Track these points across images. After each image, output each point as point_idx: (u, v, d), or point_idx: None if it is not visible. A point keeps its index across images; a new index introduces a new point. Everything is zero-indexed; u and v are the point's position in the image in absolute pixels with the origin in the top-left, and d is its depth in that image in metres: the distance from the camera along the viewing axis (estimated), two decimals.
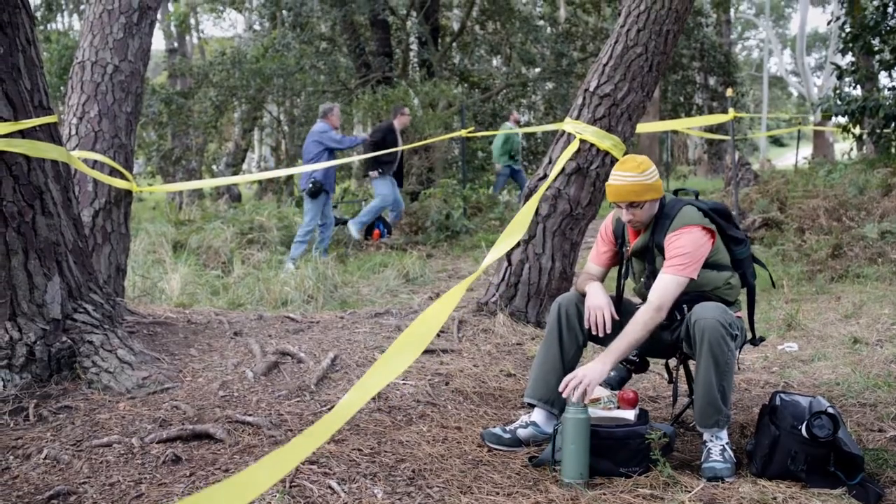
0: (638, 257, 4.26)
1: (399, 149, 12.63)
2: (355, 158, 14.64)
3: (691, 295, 4.01)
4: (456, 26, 23.50)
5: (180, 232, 12.24)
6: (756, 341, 4.35)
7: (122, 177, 6.12)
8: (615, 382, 4.27)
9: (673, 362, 4.56)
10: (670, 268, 3.98)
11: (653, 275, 4.10)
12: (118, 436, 3.82)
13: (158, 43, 28.20)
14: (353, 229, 12.56)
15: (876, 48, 14.56)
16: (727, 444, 3.87)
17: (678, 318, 4.05)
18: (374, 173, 12.48)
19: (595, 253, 4.40)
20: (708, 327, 3.85)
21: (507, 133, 15.24)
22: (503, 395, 4.89)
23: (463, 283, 3.68)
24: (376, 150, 12.25)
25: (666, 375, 4.72)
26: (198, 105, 19.75)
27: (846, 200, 10.68)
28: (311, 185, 11.20)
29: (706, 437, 3.92)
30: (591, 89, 6.42)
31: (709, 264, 4.06)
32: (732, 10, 34.94)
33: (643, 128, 5.38)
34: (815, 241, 9.63)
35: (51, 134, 4.64)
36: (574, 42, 20.59)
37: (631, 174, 4.07)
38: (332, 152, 11.50)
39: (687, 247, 3.98)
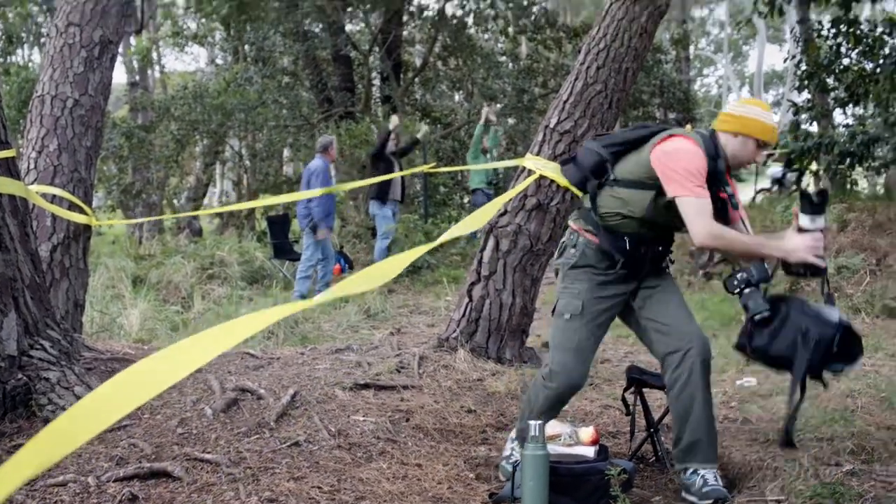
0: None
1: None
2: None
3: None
4: (418, 62, 23.59)
5: (140, 267, 12.15)
6: None
7: (81, 211, 6.07)
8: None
9: (630, 396, 4.58)
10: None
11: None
12: (74, 475, 3.77)
13: (120, 76, 28.13)
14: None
15: (830, 86, 14.80)
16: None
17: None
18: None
19: (705, 189, 3.91)
20: (704, 343, 4.05)
21: (480, 140, 14.74)
22: (464, 431, 4.88)
23: (422, 247, 3.61)
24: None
25: (624, 410, 4.73)
26: (159, 139, 19.66)
27: None
28: (308, 221, 11.13)
29: (699, 471, 3.97)
30: (552, 126, 6.48)
31: None
32: (692, 48, 35.40)
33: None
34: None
35: (8, 168, 4.60)
36: (535, 78, 20.71)
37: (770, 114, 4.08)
38: (325, 183, 11.33)
39: None
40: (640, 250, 4.05)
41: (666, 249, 4.16)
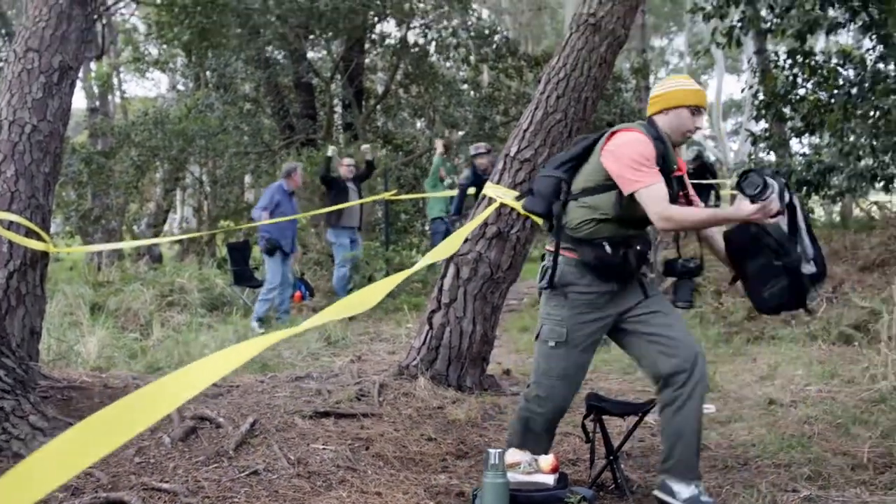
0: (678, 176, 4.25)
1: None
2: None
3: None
4: (380, 89, 23.62)
5: (98, 293, 12.04)
6: None
7: (39, 237, 6.02)
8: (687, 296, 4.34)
9: (590, 424, 4.59)
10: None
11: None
12: None
13: (80, 102, 27.94)
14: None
15: (787, 116, 14.99)
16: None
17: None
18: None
19: (655, 172, 3.99)
20: (704, 363, 4.09)
21: (437, 171, 14.62)
22: (424, 459, 4.87)
23: (400, 274, 3.66)
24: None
25: (584, 437, 4.75)
26: (119, 165, 19.52)
27: None
28: (265, 243, 11.14)
29: (690, 484, 4.04)
30: (512, 154, 6.52)
31: None
32: (651, 77, 35.71)
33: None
34: (731, 303, 9.80)
35: None
36: (497, 106, 20.80)
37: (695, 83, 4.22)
38: (284, 208, 11.33)
39: None
40: (621, 252, 4.10)
41: (644, 248, 4.18)
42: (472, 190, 11.68)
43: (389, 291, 3.74)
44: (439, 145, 14.96)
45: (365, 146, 15.00)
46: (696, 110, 4.11)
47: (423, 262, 4.34)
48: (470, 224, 6.04)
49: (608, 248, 4.07)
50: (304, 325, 2.92)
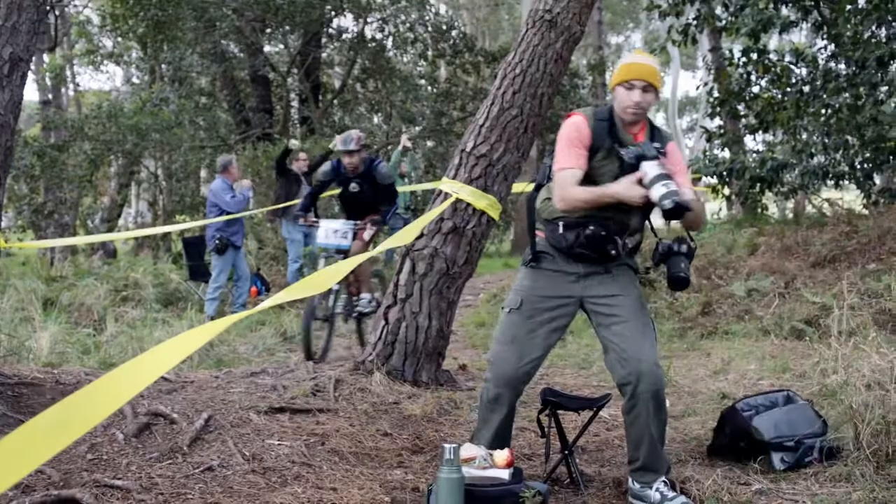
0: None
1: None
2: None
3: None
4: (337, 84, 23.59)
5: (51, 289, 11.89)
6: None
7: None
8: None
9: (545, 419, 4.62)
10: (686, 182, 4.10)
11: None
12: None
13: (32, 94, 27.58)
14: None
15: (741, 113, 15.16)
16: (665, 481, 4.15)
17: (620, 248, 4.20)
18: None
19: (573, 156, 4.10)
20: (651, 377, 4.05)
21: (398, 165, 14.61)
22: (379, 454, 4.87)
23: (355, 258, 3.67)
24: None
25: (539, 431, 4.77)
26: (72, 158, 19.31)
27: (715, 259, 11.02)
28: (216, 243, 11.08)
29: (653, 485, 4.13)
30: (468, 150, 6.52)
31: None
32: (608, 73, 35.91)
33: (519, 187, 5.52)
34: (685, 298, 9.87)
35: None
36: (454, 101, 20.86)
37: (649, 59, 4.16)
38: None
39: (680, 159, 4.21)
40: (573, 233, 4.14)
41: (597, 231, 4.13)
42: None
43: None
44: (405, 140, 14.93)
45: (293, 141, 14.97)
46: (629, 85, 4.08)
47: (379, 248, 4.36)
48: (425, 217, 6.04)
49: (561, 229, 4.16)
50: (261, 305, 2.95)
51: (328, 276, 3.54)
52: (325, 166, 9.30)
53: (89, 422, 2.16)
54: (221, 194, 11.21)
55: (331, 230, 8.76)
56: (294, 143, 13.79)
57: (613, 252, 4.18)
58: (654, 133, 4.22)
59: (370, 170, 8.82)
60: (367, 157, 8.99)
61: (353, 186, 8.87)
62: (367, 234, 8.69)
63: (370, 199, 8.88)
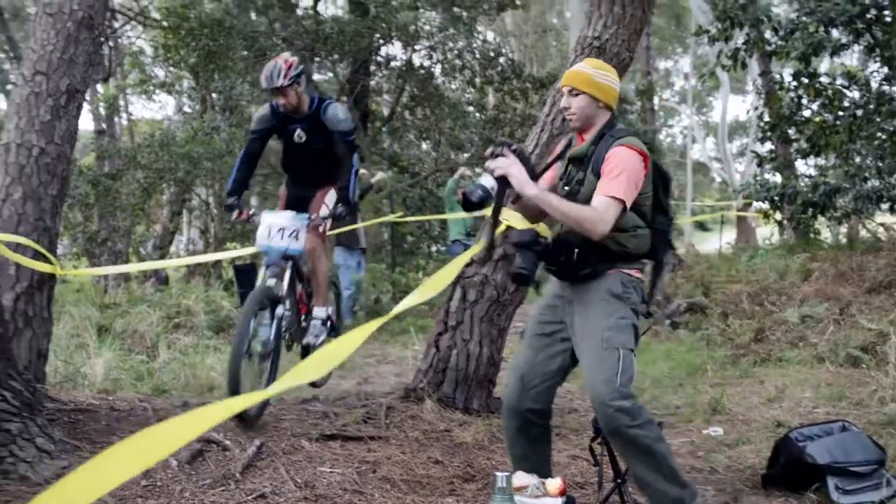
0: (575, 163, 4.18)
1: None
2: None
3: (588, 250, 4.03)
4: (386, 111, 23.72)
5: (105, 315, 12.01)
6: (647, 314, 4.27)
7: (46, 260, 6.02)
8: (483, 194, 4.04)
9: (598, 447, 4.57)
10: (609, 187, 3.90)
11: (579, 183, 4.10)
12: None
13: (86, 124, 28.03)
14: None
15: (793, 137, 15.03)
16: None
17: (571, 259, 4.07)
18: None
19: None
20: (603, 417, 3.90)
21: (454, 191, 14.39)
22: (431, 482, 4.86)
23: (373, 323, 3.61)
24: None
25: (592, 460, 4.73)
26: (126, 187, 19.55)
27: (767, 285, 10.90)
28: None
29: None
30: None
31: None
32: (656, 99, 35.81)
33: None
34: (738, 325, 9.78)
35: None
36: (502, 128, 20.85)
37: (584, 66, 4.18)
38: None
39: (623, 164, 3.93)
40: (539, 243, 4.13)
41: (541, 248, 4.12)
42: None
43: (381, 312, 3.72)
44: (463, 169, 14.82)
45: (382, 175, 14.98)
46: (568, 91, 4.17)
47: (403, 305, 4.22)
48: (466, 254, 6.03)
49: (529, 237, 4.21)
50: (270, 389, 2.83)
51: (349, 344, 3.43)
52: (262, 109, 7.10)
53: (160, 452, 2.19)
54: None
55: (274, 227, 6.31)
56: (379, 175, 13.85)
57: (572, 261, 4.08)
58: (601, 138, 4.10)
59: (319, 112, 6.49)
60: (314, 95, 6.65)
61: (299, 135, 6.60)
62: (322, 226, 6.58)
63: (324, 159, 6.63)
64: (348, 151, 6.58)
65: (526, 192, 3.93)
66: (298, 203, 6.67)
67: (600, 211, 3.86)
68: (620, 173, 3.90)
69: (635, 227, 4.07)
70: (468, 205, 4.01)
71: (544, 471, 4.27)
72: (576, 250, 4.04)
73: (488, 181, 4.00)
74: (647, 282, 4.21)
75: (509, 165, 3.94)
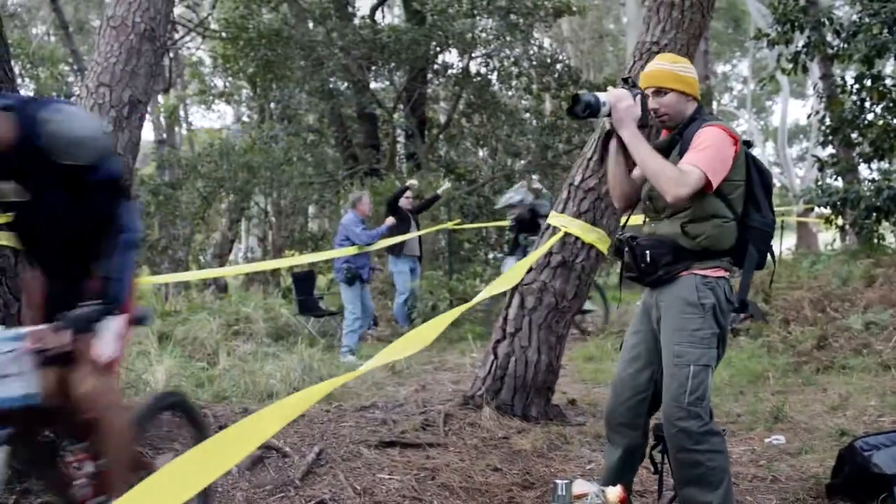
0: (661, 153, 3.94)
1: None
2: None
3: (662, 240, 3.92)
4: (442, 119, 23.77)
5: (166, 323, 12.16)
6: (741, 309, 4.06)
7: None
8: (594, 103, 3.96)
9: (658, 455, 4.53)
10: (695, 157, 3.76)
11: None
12: None
13: (147, 134, 28.49)
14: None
15: (855, 141, 14.79)
16: None
17: (643, 263, 3.96)
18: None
19: None
20: (667, 424, 3.85)
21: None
22: (490, 490, 4.85)
23: (455, 310, 3.70)
24: None
25: (652, 468, 4.69)
26: (185, 195, 19.81)
27: (830, 292, 10.73)
28: (345, 273, 11.30)
29: None
30: (576, 183, 6.50)
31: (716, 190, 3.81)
32: (715, 103, 35.45)
33: (635, 220, 5.47)
34: (800, 332, 9.64)
35: None
36: (559, 135, 20.76)
37: (662, 62, 4.05)
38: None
39: (712, 140, 3.78)
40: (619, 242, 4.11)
41: (622, 247, 4.07)
42: None
43: (451, 322, 3.74)
44: (535, 183, 14.68)
45: (447, 186, 15.01)
46: (654, 93, 4.02)
47: (483, 294, 4.37)
48: (534, 254, 6.03)
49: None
50: (364, 366, 2.97)
51: (433, 328, 3.46)
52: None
53: (236, 456, 2.24)
54: (352, 227, 11.43)
55: None
56: (413, 183, 13.89)
57: (643, 265, 3.96)
58: (689, 125, 3.96)
59: (30, 134, 3.33)
60: (23, 108, 3.39)
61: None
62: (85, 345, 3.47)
63: (59, 222, 3.59)
64: (106, 201, 3.59)
65: (622, 127, 3.86)
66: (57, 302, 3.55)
67: (683, 172, 3.72)
68: (707, 147, 3.76)
69: (715, 215, 3.85)
70: (573, 107, 3.92)
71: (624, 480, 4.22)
72: (647, 252, 3.93)
73: (603, 96, 3.93)
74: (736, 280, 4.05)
75: (622, 98, 3.88)
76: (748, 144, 4.02)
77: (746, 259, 3.93)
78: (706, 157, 3.74)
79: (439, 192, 14.82)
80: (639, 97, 3.93)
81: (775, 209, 4.12)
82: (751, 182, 3.91)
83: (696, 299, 3.83)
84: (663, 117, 3.99)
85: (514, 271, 5.18)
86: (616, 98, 3.88)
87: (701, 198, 3.78)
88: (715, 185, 3.75)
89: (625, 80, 4.03)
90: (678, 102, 3.97)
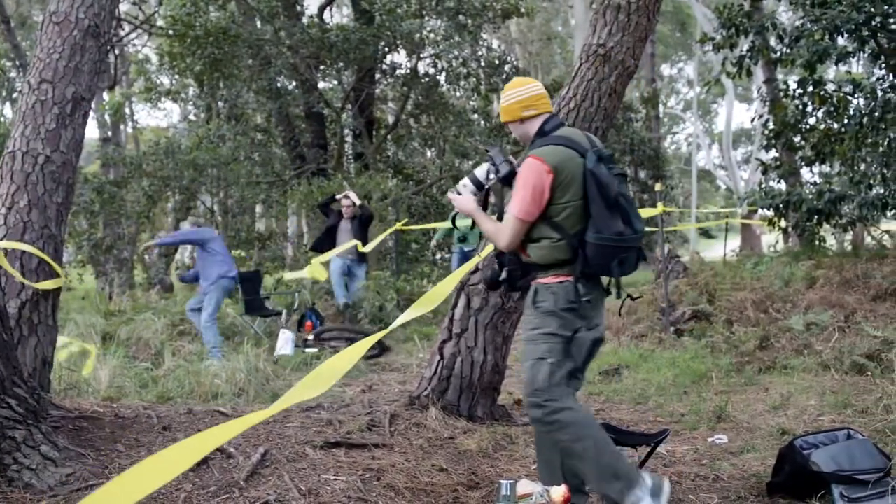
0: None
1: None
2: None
3: (514, 259, 4.32)
4: (391, 119, 23.76)
5: (110, 323, 12.05)
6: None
7: (51, 268, 6.03)
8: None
9: None
10: (511, 203, 4.18)
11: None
12: None
13: (92, 131, 28.12)
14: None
15: (798, 145, 15.01)
16: None
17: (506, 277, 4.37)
18: None
19: None
20: (527, 401, 4.19)
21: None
22: (435, 490, 4.85)
23: (370, 338, 3.77)
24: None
25: None
26: (131, 194, 19.62)
27: (772, 293, 10.87)
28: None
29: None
30: None
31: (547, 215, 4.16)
32: (661, 107, 35.80)
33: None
34: (743, 332, 9.75)
35: None
36: (507, 136, 20.83)
37: (502, 99, 4.47)
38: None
39: (524, 179, 4.14)
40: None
41: (502, 265, 4.39)
42: None
43: (386, 320, 3.76)
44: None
45: (351, 194, 14.97)
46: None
47: (401, 319, 4.45)
48: (482, 252, 6.04)
49: None
50: (280, 401, 2.96)
51: (346, 361, 3.61)
52: None
53: (188, 461, 2.29)
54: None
55: None
56: (347, 194, 14.09)
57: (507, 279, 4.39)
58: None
59: None
60: None
61: None
62: None
63: None
64: None
65: (466, 211, 4.38)
66: None
67: (502, 227, 4.22)
68: (520, 188, 4.14)
69: (542, 237, 4.18)
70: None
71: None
72: (506, 269, 4.35)
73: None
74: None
75: (454, 199, 4.42)
76: (601, 158, 4.16)
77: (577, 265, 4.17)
78: (517, 199, 4.14)
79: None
80: (492, 155, 4.44)
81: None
82: (587, 199, 4.10)
83: (533, 303, 4.22)
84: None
85: (460, 270, 5.22)
86: (456, 202, 4.42)
87: (532, 226, 4.17)
88: (532, 217, 4.14)
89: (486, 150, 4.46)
90: (516, 129, 4.44)
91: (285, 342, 10.83)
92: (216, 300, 10.97)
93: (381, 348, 10.44)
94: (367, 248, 13.15)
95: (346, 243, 13.34)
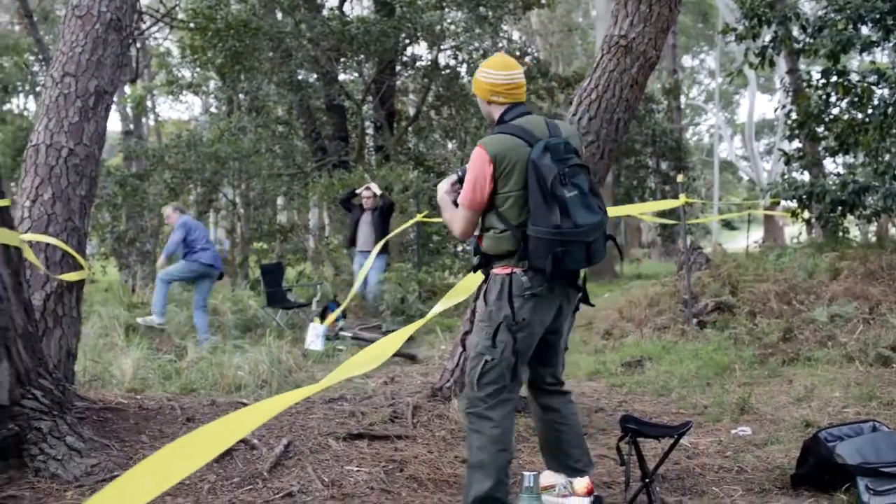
0: None
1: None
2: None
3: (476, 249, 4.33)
4: (411, 111, 23.72)
5: (133, 315, 12.10)
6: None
7: (74, 260, 6.06)
8: None
9: (625, 446, 4.56)
10: (461, 193, 4.22)
11: None
12: None
13: (114, 124, 28.23)
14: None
15: (821, 135, 14.90)
16: None
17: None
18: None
19: None
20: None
21: None
22: (458, 481, 4.85)
23: (409, 327, 3.81)
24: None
25: (619, 459, 4.71)
26: (153, 187, 19.70)
27: (796, 284, 10.80)
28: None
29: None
30: None
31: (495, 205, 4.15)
32: (683, 97, 35.62)
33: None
34: (766, 324, 9.71)
35: (2, 217, 4.61)
36: None
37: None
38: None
39: (471, 169, 4.15)
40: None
41: (476, 252, 4.37)
42: None
43: (408, 313, 3.81)
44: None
45: (373, 185, 15.00)
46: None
47: (436, 309, 4.48)
48: None
49: None
50: (323, 382, 3.01)
51: (393, 343, 3.68)
52: None
53: (214, 450, 2.28)
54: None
55: None
56: (367, 187, 14.20)
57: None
58: None
59: None
60: None
61: None
62: None
63: None
64: None
65: (438, 199, 4.42)
66: None
67: (455, 215, 4.27)
68: (468, 181, 4.16)
69: (490, 227, 4.18)
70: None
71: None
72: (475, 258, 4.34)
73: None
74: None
75: (438, 188, 4.45)
76: (548, 149, 4.04)
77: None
78: (465, 190, 4.16)
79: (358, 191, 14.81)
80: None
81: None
82: (527, 191, 4.04)
83: (483, 293, 4.27)
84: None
85: (469, 280, 5.23)
86: (438, 190, 4.46)
87: (483, 215, 4.20)
88: (476, 206, 4.15)
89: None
90: (482, 106, 4.42)
91: (316, 336, 10.82)
92: (199, 287, 11.41)
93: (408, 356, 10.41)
94: (378, 246, 13.09)
95: (365, 238, 13.57)
